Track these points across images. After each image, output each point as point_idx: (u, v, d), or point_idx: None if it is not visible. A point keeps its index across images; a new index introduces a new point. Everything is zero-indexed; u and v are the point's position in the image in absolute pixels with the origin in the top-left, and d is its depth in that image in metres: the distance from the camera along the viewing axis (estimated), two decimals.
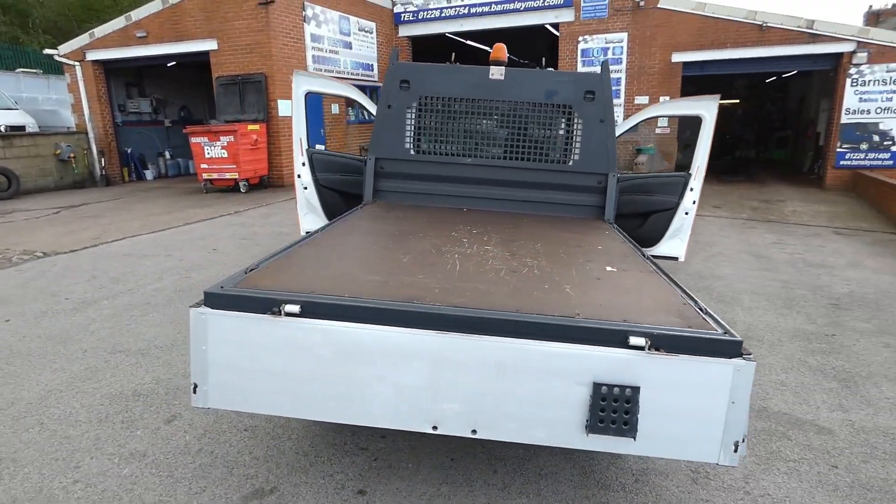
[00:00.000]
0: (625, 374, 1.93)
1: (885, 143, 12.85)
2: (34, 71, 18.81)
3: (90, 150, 15.04)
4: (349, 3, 15.30)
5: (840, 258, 7.15)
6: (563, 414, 1.99)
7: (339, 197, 4.88)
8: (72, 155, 14.42)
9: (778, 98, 22.06)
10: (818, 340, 4.52)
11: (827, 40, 12.76)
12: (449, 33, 16.86)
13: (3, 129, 14.14)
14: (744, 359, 1.90)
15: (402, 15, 16.93)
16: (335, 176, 4.84)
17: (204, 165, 12.57)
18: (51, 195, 13.33)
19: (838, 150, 13.21)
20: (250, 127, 12.60)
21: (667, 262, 4.40)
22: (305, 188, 4.83)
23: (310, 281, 2.37)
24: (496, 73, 4.31)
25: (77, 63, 15.07)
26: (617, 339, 1.94)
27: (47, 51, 16.01)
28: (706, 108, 4.44)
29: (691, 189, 4.58)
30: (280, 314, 2.07)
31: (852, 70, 12.70)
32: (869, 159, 12.99)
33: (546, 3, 15.04)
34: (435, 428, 2.07)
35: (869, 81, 12.65)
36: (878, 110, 12.74)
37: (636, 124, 4.99)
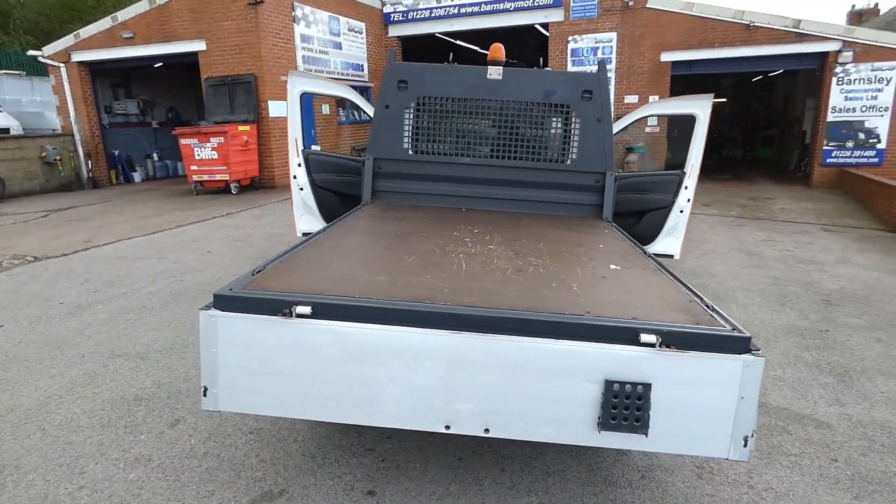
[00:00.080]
0: (637, 371, 1.95)
1: (871, 140, 13.07)
2: (17, 72, 18.49)
3: (76, 153, 14.85)
4: (339, 4, 15.26)
5: (829, 255, 7.26)
6: (576, 411, 2.01)
7: (335, 197, 4.87)
8: (58, 157, 14.23)
9: (764, 97, 22.35)
10: (812, 336, 4.59)
11: (813, 40, 12.95)
12: (438, 33, 16.88)
13: None
14: (752, 354, 1.94)
15: (392, 15, 16.91)
16: (331, 176, 4.84)
17: (194, 167, 12.46)
18: (37, 198, 13.14)
19: (825, 147, 13.42)
20: (241, 128, 12.52)
21: (663, 260, 4.44)
22: (301, 189, 4.82)
23: (317, 282, 2.37)
24: (494, 72, 4.33)
25: (62, 64, 14.86)
26: (628, 336, 1.96)
27: (31, 52, 15.77)
28: (700, 108, 4.50)
29: (686, 187, 4.64)
30: (291, 315, 2.07)
31: (838, 69, 12.90)
32: (855, 157, 13.21)
33: (536, 3, 15.10)
34: (448, 427, 2.08)
35: (854, 80, 12.86)
36: (864, 108, 12.96)
37: (631, 123, 5.04)
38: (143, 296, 5.52)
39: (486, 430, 2.07)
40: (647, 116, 5.23)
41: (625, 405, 1.96)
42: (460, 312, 2.04)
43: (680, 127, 14.65)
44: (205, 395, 2.16)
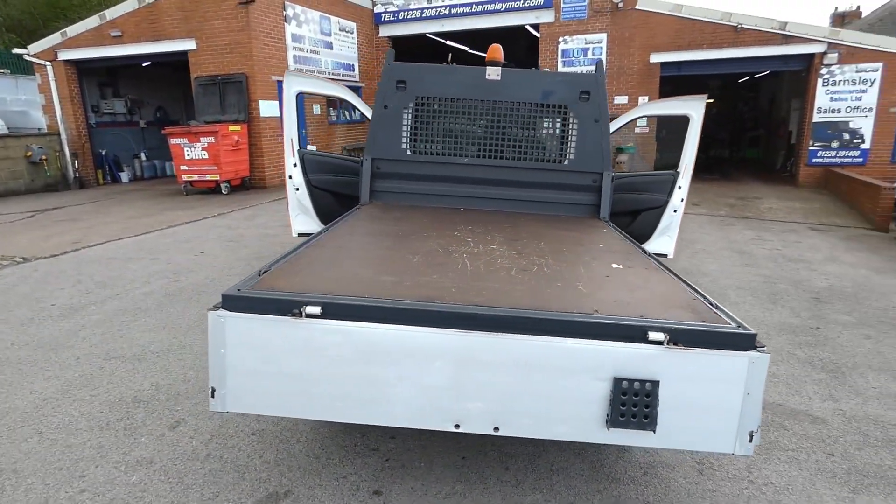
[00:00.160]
0: (645, 369, 1.98)
1: (856, 141, 13.29)
2: (1, 71, 18.21)
3: (63, 152, 14.64)
4: (330, 3, 15.20)
5: (817, 253, 7.38)
6: (585, 409, 2.03)
7: (331, 198, 4.86)
8: (43, 157, 14.02)
9: (750, 98, 22.61)
10: (804, 333, 4.67)
11: (799, 41, 13.14)
12: (429, 34, 16.88)
13: None
14: (758, 351, 1.97)
15: (383, 15, 16.88)
16: (327, 176, 4.82)
17: (184, 167, 12.35)
18: (22, 198, 12.94)
19: (810, 148, 13.62)
20: (231, 128, 12.43)
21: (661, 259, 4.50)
22: (297, 189, 4.80)
23: (324, 282, 2.37)
24: (492, 73, 4.35)
25: (48, 63, 14.66)
26: (637, 334, 1.99)
27: (17, 50, 15.53)
28: (694, 108, 4.54)
29: (679, 187, 4.69)
30: (301, 316, 2.07)
31: (823, 70, 13.11)
32: (840, 157, 13.43)
33: (526, 4, 15.16)
34: (457, 426, 2.09)
35: (839, 81, 13.07)
36: (849, 109, 13.17)
37: (626, 123, 5.08)
38: (137, 297, 5.46)
39: (496, 429, 2.09)
40: (641, 117, 5.28)
41: (633, 402, 1.99)
42: (471, 312, 2.06)
43: (668, 127, 14.81)
44: (213, 396, 2.15)
